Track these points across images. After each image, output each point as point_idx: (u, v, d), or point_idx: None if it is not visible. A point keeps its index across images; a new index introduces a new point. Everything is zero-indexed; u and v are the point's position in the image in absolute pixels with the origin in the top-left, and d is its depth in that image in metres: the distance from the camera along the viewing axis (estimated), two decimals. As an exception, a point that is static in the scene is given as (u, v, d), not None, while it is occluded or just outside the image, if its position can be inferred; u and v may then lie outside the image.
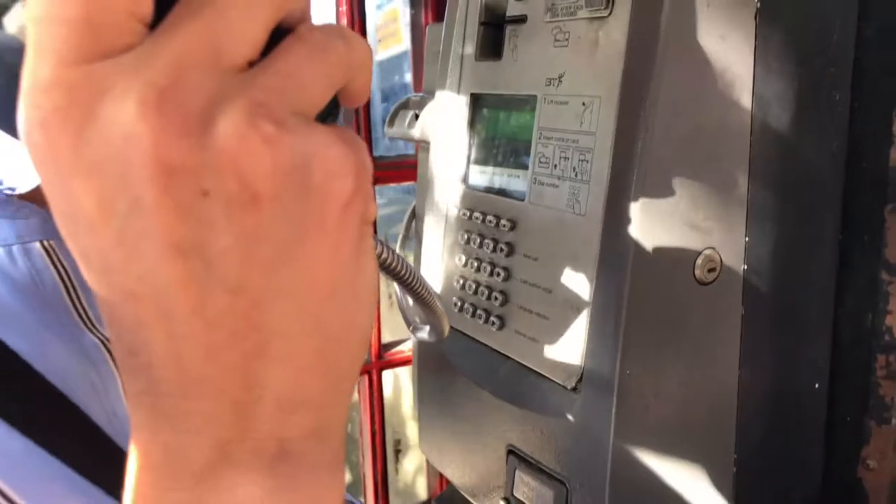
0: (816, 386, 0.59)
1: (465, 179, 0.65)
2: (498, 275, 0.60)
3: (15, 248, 0.34)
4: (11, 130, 0.25)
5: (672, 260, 0.50)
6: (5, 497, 0.32)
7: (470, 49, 0.63)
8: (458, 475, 0.68)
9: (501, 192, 0.61)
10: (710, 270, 0.51)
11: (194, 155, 0.19)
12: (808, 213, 0.55)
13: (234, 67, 0.20)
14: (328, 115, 0.23)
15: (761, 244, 0.53)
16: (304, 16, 0.22)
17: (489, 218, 0.61)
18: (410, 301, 0.38)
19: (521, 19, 0.58)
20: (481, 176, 0.64)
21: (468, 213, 0.64)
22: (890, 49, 0.51)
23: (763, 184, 0.52)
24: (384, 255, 0.30)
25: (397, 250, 0.37)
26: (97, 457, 0.34)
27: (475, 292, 0.63)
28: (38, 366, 0.33)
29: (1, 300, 0.32)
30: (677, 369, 0.52)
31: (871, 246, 0.54)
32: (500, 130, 0.62)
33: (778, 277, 0.55)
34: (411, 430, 2.12)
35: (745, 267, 0.52)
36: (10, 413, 0.31)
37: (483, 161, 0.64)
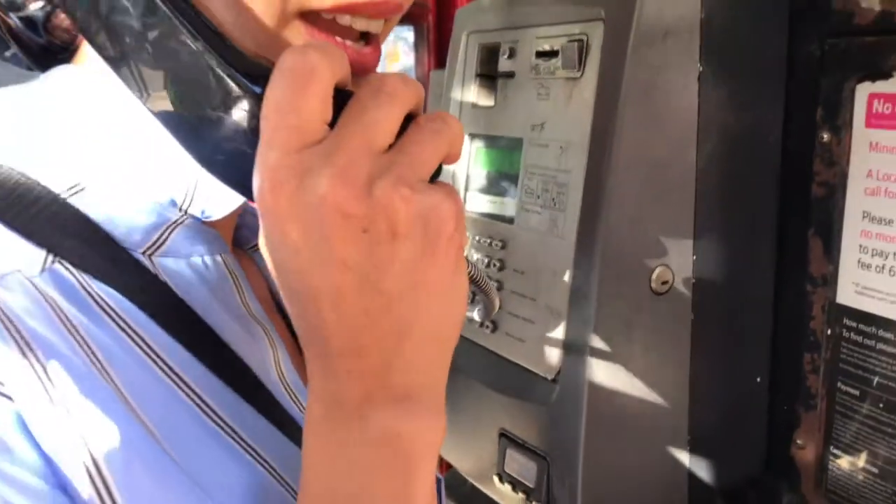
0: (758, 380, 0.69)
1: (463, 205, 0.76)
2: (491, 286, 0.71)
3: (206, 258, 0.43)
4: (234, 185, 0.36)
5: (632, 274, 0.60)
6: (270, 468, 0.40)
7: (468, 96, 0.74)
8: (457, 458, 0.77)
9: (494, 217, 0.71)
10: (664, 283, 0.61)
11: (361, 210, 0.31)
12: (747, 235, 0.65)
13: (382, 150, 0.32)
14: (437, 174, 0.35)
15: (708, 261, 0.62)
16: (419, 106, 0.34)
17: (484, 238, 0.72)
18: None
19: (510, 74, 0.69)
20: (477, 202, 0.74)
21: (466, 233, 0.74)
22: (808, 104, 0.62)
23: (708, 212, 0.62)
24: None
25: None
26: (275, 409, 0.44)
27: (472, 301, 0.73)
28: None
29: (204, 296, 0.42)
30: (638, 365, 0.61)
31: (799, 262, 0.64)
32: (493, 165, 0.72)
33: (723, 289, 0.64)
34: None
35: (694, 280, 0.62)
36: (235, 383, 0.41)
37: (479, 189, 0.74)
